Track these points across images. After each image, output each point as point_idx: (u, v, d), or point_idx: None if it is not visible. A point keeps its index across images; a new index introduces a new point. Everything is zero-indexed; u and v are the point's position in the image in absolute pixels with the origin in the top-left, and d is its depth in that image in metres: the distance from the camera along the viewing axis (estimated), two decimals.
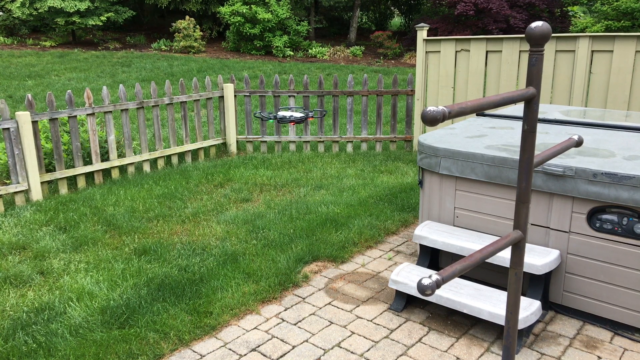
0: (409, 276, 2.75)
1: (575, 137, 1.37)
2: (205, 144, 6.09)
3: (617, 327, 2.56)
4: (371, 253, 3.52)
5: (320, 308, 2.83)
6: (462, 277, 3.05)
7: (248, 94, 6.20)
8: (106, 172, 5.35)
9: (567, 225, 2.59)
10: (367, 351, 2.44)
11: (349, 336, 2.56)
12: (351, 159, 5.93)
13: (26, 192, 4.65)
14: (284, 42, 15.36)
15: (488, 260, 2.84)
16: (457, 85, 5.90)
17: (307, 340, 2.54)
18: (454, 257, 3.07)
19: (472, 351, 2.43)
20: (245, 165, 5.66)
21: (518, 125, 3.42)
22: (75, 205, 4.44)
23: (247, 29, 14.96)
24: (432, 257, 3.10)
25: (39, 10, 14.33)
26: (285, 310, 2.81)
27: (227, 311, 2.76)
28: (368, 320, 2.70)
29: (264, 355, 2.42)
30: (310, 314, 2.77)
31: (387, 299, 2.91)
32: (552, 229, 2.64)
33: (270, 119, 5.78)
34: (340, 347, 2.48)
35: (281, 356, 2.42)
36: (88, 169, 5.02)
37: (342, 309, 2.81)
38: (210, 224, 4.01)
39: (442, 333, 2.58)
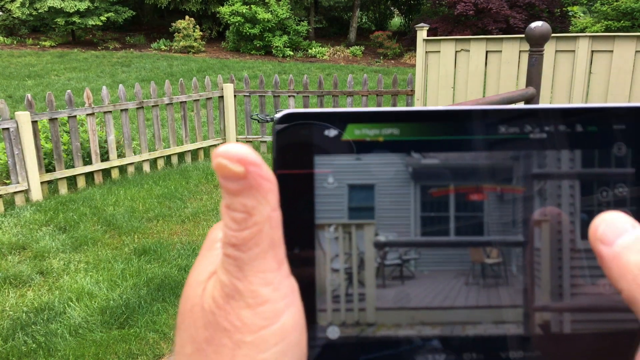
0: None
1: None
2: (205, 144, 6.08)
3: None
4: None
5: None
6: None
7: (248, 94, 6.20)
8: (106, 172, 5.35)
9: None
10: None
11: None
12: None
13: (26, 192, 4.64)
14: (284, 42, 15.36)
15: None
16: (457, 85, 5.89)
17: None
18: None
19: None
20: None
21: None
22: (75, 205, 4.44)
23: (247, 29, 14.96)
24: None
25: (39, 11, 14.32)
26: None
27: None
28: None
29: None
30: None
31: None
32: None
33: (267, 121, 5.77)
34: None
35: None
36: (88, 169, 5.02)
37: None
38: (210, 224, 4.00)
39: None
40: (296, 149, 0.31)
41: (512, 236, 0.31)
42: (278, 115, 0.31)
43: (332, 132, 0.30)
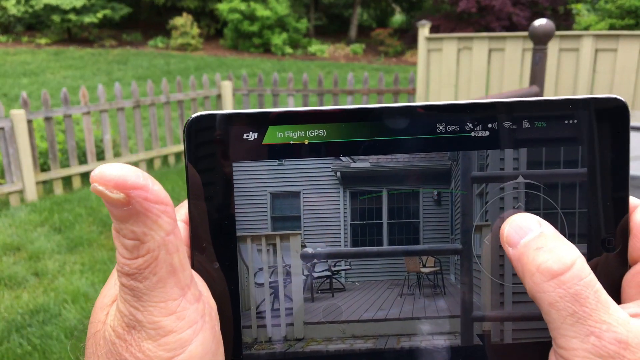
0: None
1: None
2: None
3: None
4: None
5: None
6: None
7: (246, 93, 6.14)
8: None
9: None
10: None
11: None
12: None
13: (21, 192, 4.58)
14: (283, 39, 15.28)
15: None
16: (459, 83, 5.84)
17: None
18: None
19: None
20: None
21: None
22: (71, 205, 4.38)
23: (246, 26, 14.88)
24: None
25: (35, 8, 14.23)
26: None
27: None
28: None
29: None
30: None
31: None
32: None
33: None
34: None
35: None
36: (83, 168, 4.95)
37: None
38: None
39: None
40: (211, 155, 0.28)
41: (450, 244, 0.30)
42: (191, 117, 0.28)
43: (251, 136, 0.28)
